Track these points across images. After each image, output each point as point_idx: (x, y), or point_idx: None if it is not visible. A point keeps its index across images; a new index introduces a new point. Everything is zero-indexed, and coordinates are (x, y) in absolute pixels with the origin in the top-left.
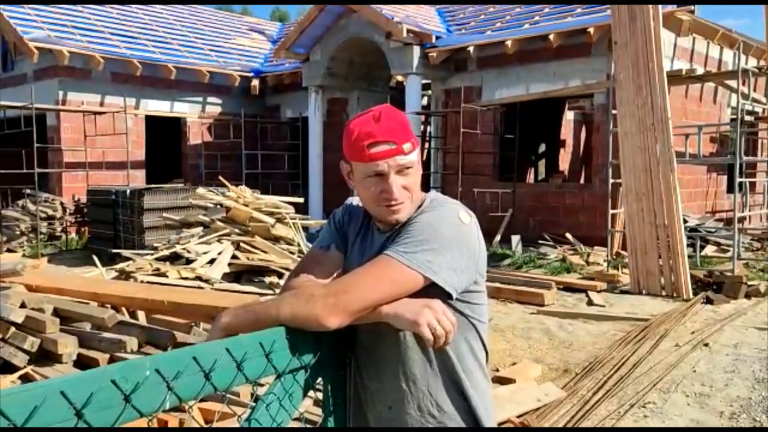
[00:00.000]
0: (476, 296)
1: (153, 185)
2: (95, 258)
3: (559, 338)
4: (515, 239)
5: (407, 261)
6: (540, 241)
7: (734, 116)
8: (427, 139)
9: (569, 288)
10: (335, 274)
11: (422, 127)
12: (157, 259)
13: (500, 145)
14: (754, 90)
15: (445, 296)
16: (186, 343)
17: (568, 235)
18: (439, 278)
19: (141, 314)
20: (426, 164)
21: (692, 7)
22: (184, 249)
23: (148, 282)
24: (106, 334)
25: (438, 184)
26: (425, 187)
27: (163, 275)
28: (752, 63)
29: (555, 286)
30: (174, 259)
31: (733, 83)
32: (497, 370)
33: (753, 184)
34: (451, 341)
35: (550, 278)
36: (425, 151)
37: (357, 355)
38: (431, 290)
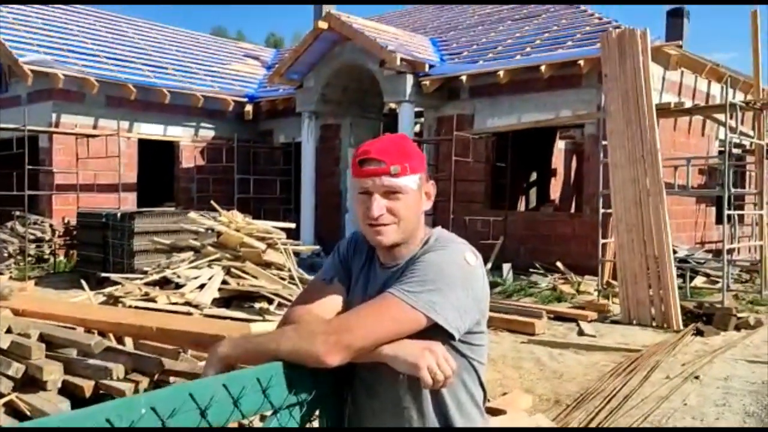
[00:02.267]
0: (478, 337)
1: (144, 208)
2: (83, 282)
3: (550, 368)
4: (506, 267)
5: (411, 301)
6: (531, 270)
7: (722, 149)
8: None
9: (560, 317)
10: (337, 308)
11: None
12: (147, 284)
13: (492, 173)
14: (742, 123)
15: (447, 337)
16: (174, 370)
17: (559, 264)
18: (442, 319)
19: (128, 340)
20: None
21: (680, 42)
22: (174, 273)
23: (136, 307)
24: (92, 361)
25: (429, 212)
26: None
27: (152, 300)
28: (740, 97)
29: (546, 315)
30: (164, 283)
31: (720, 116)
32: (488, 401)
33: (741, 216)
34: (450, 384)
35: (541, 307)
36: None
37: (355, 390)
38: (434, 330)
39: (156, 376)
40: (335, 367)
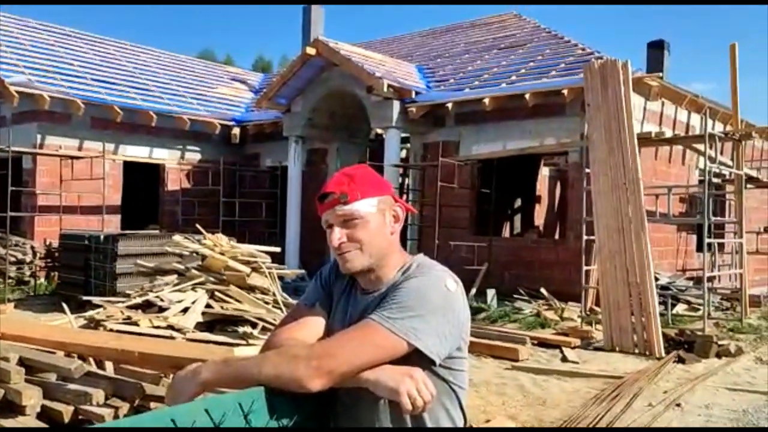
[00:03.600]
0: (458, 362)
1: (128, 231)
2: (64, 305)
3: (534, 395)
4: (490, 293)
5: (393, 327)
6: (515, 296)
7: (702, 178)
8: (405, 191)
9: (543, 343)
10: (319, 333)
11: (400, 180)
12: (129, 307)
13: (477, 199)
14: (721, 153)
15: (428, 362)
16: (155, 395)
17: (543, 290)
18: (423, 345)
19: (109, 364)
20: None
21: (660, 73)
22: (157, 297)
23: (118, 331)
24: (72, 386)
25: (415, 236)
26: (403, 238)
27: (135, 324)
28: (719, 127)
29: (529, 341)
30: (146, 307)
31: (700, 146)
32: (472, 425)
33: (722, 245)
34: (429, 409)
35: (525, 333)
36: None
37: (337, 414)
38: (415, 356)
39: (136, 402)
40: (317, 392)
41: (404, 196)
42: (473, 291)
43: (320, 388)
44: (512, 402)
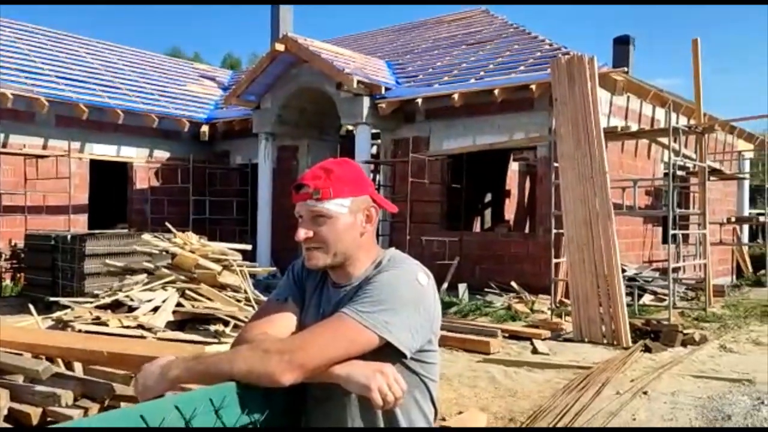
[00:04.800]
0: (429, 355)
1: (96, 230)
2: (31, 306)
3: (505, 386)
4: (462, 287)
5: (364, 321)
6: (486, 289)
7: (667, 171)
8: (377, 187)
9: (514, 336)
10: (292, 328)
11: (372, 176)
12: (98, 307)
13: (447, 194)
14: (685, 147)
15: (399, 355)
16: (125, 395)
17: (514, 284)
18: (395, 339)
19: (78, 366)
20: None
21: (626, 68)
22: (126, 296)
23: (86, 331)
24: (39, 387)
25: (387, 232)
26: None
27: (104, 324)
28: (683, 121)
29: (501, 334)
30: (116, 307)
31: (665, 140)
32: (444, 420)
33: (686, 236)
34: (400, 405)
35: (496, 326)
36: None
37: (308, 408)
38: (386, 349)
39: (106, 402)
40: (289, 387)
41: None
42: (445, 285)
43: (292, 382)
44: (484, 394)
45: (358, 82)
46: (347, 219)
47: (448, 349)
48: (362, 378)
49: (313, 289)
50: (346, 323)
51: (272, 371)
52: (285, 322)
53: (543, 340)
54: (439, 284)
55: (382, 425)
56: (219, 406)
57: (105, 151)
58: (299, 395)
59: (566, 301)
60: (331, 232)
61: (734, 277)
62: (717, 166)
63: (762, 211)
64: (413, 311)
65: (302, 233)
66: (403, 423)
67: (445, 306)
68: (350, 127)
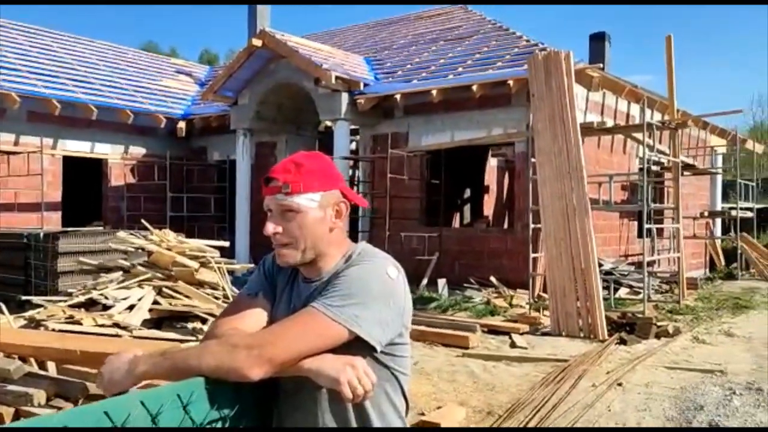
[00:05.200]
0: (400, 349)
1: (69, 228)
2: (2, 305)
3: (483, 381)
4: (441, 282)
5: (334, 315)
6: (465, 285)
7: (642, 166)
8: (356, 183)
9: (493, 330)
10: (262, 323)
11: (351, 172)
12: (71, 306)
13: (427, 190)
14: (660, 142)
15: (369, 349)
16: (99, 394)
17: (493, 279)
18: (365, 333)
19: (51, 365)
20: (354, 208)
21: (601, 64)
22: (101, 295)
23: (60, 330)
24: (12, 387)
25: (366, 228)
26: (353, 230)
27: (78, 323)
28: (657, 117)
29: (480, 328)
30: (90, 305)
31: (639, 135)
32: (423, 414)
33: (661, 230)
34: (370, 398)
35: (475, 321)
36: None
37: (279, 402)
38: (357, 343)
39: (80, 402)
40: (259, 381)
41: (354, 188)
42: (424, 281)
43: (261, 376)
44: (463, 388)
45: (337, 77)
46: (317, 213)
47: (427, 344)
48: (332, 371)
49: (284, 284)
50: (316, 317)
51: (241, 366)
52: (255, 317)
53: (521, 334)
54: (418, 280)
55: (352, 418)
56: (187, 402)
57: (78, 147)
58: (270, 389)
59: (544, 295)
60: (300, 226)
61: (707, 270)
62: (690, 161)
63: (734, 206)
64: (383, 305)
65: (271, 227)
66: (374, 416)
67: (425, 301)
68: (329, 123)
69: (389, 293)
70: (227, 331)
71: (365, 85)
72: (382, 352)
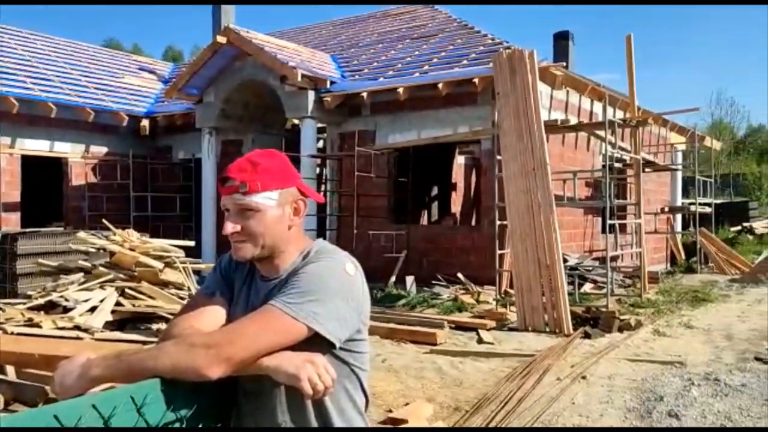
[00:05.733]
0: (359, 344)
1: (29, 229)
2: None
3: (451, 377)
4: (409, 280)
5: (292, 312)
6: (433, 282)
7: (605, 163)
8: (323, 181)
9: (461, 327)
10: (220, 322)
11: (318, 170)
12: (31, 309)
13: (394, 187)
14: (622, 139)
15: (328, 346)
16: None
17: (460, 275)
18: (323, 329)
19: (10, 368)
20: (321, 206)
21: (564, 63)
22: (61, 297)
23: (18, 334)
24: None
25: (334, 226)
26: (321, 228)
27: (37, 326)
28: (619, 114)
29: (447, 325)
30: (50, 308)
31: (602, 133)
32: (390, 411)
33: (623, 225)
34: (330, 394)
35: (443, 318)
36: (321, 194)
37: (239, 401)
38: (315, 340)
39: (40, 405)
40: (217, 380)
41: (322, 186)
42: (393, 279)
43: (219, 375)
44: (430, 385)
45: (303, 75)
46: (275, 212)
47: (395, 342)
48: (291, 368)
49: (242, 283)
50: (274, 315)
51: (198, 365)
52: (213, 316)
53: (488, 330)
54: (387, 277)
55: (312, 416)
56: (141, 404)
57: (38, 146)
58: (229, 388)
59: (511, 291)
60: (258, 225)
61: (668, 264)
62: (651, 158)
63: (693, 201)
64: (341, 301)
65: (230, 227)
66: (334, 413)
67: (393, 299)
68: (296, 121)
69: (347, 290)
70: (184, 330)
71: (332, 83)
72: (341, 348)
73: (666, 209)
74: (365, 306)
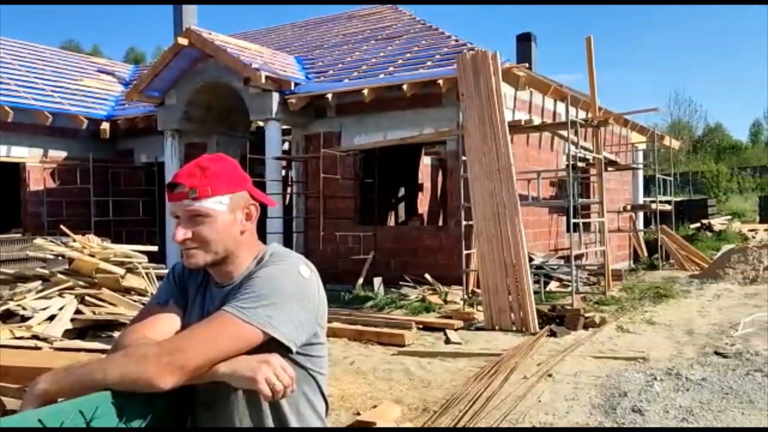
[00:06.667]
0: (316, 348)
1: None
2: None
3: (419, 377)
4: (377, 281)
5: (246, 317)
6: (401, 282)
7: (568, 162)
8: (289, 183)
9: (428, 327)
10: (173, 331)
11: (284, 172)
12: None
13: (361, 189)
14: (584, 139)
15: (284, 350)
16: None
17: (428, 276)
18: (278, 333)
19: None
20: (288, 209)
21: (527, 64)
22: (18, 305)
23: None
24: None
25: (301, 229)
26: (288, 231)
27: None
28: (582, 115)
29: (415, 326)
30: (7, 317)
31: (565, 133)
32: (359, 414)
33: (587, 224)
34: (289, 394)
35: (411, 318)
36: (287, 196)
37: (196, 412)
38: (271, 345)
39: None
40: (171, 390)
41: (288, 189)
42: (360, 280)
43: (172, 385)
44: (398, 386)
45: (267, 77)
46: (226, 217)
47: (363, 344)
48: (247, 371)
49: (196, 290)
50: (228, 320)
51: (149, 375)
52: (166, 324)
53: (456, 330)
54: (354, 279)
55: (270, 422)
56: (91, 418)
57: None
58: (183, 398)
59: (478, 291)
60: (210, 231)
61: (631, 261)
62: (613, 157)
63: (654, 199)
64: (296, 305)
65: (180, 234)
66: (293, 419)
67: (361, 300)
68: (260, 123)
69: (302, 293)
70: (135, 340)
71: (296, 84)
72: (297, 352)
73: (628, 207)
74: (322, 309)
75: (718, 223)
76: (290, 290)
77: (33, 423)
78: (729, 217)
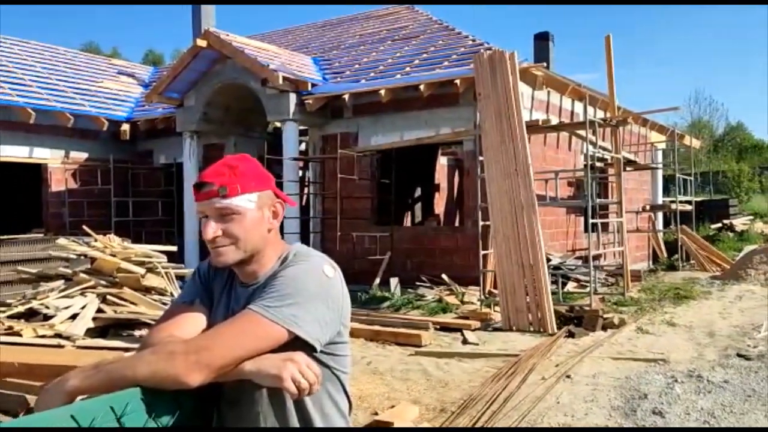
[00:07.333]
0: (340, 347)
1: (6, 236)
2: None
3: (436, 378)
4: (393, 282)
5: (272, 316)
6: (418, 283)
7: (586, 162)
8: (306, 184)
9: (445, 327)
10: (199, 330)
11: (300, 173)
12: (10, 317)
13: (377, 189)
14: (603, 139)
15: (309, 349)
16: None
17: (444, 276)
18: (303, 332)
19: None
20: (305, 209)
21: (545, 63)
22: (41, 304)
23: None
24: None
25: (318, 229)
26: (305, 231)
27: (17, 334)
28: (600, 114)
29: (432, 326)
30: (30, 315)
31: (583, 132)
32: (376, 414)
33: (606, 224)
34: (316, 391)
35: (428, 319)
36: (304, 197)
37: (221, 410)
38: (296, 344)
39: (21, 415)
40: (198, 387)
41: (305, 189)
42: (377, 280)
43: (200, 382)
44: (416, 387)
45: (284, 78)
46: (255, 214)
47: (380, 344)
48: (273, 369)
49: (221, 290)
50: (253, 319)
51: (178, 372)
52: (192, 323)
53: (473, 330)
54: (371, 279)
55: (295, 421)
56: (121, 414)
57: (15, 152)
58: (210, 396)
59: (495, 291)
60: (240, 228)
61: (650, 262)
62: (632, 157)
63: (674, 199)
64: (321, 304)
65: (211, 231)
66: (317, 417)
67: (378, 301)
68: (277, 124)
69: (326, 292)
70: (163, 338)
71: (313, 85)
72: (321, 351)
73: (647, 207)
74: (345, 308)
75: (739, 223)
76: (315, 290)
77: (66, 419)
78: (751, 217)
